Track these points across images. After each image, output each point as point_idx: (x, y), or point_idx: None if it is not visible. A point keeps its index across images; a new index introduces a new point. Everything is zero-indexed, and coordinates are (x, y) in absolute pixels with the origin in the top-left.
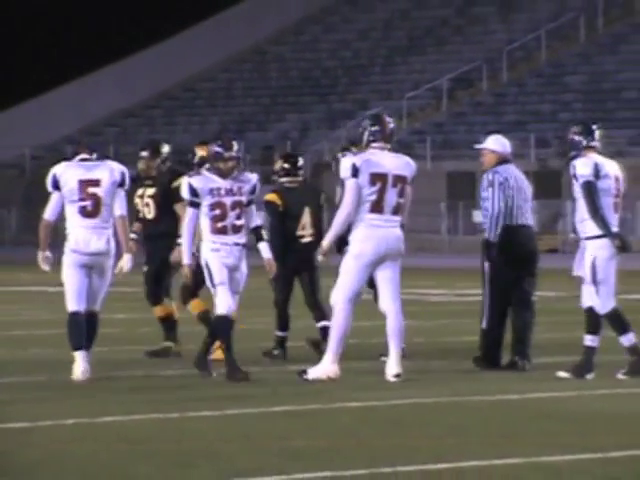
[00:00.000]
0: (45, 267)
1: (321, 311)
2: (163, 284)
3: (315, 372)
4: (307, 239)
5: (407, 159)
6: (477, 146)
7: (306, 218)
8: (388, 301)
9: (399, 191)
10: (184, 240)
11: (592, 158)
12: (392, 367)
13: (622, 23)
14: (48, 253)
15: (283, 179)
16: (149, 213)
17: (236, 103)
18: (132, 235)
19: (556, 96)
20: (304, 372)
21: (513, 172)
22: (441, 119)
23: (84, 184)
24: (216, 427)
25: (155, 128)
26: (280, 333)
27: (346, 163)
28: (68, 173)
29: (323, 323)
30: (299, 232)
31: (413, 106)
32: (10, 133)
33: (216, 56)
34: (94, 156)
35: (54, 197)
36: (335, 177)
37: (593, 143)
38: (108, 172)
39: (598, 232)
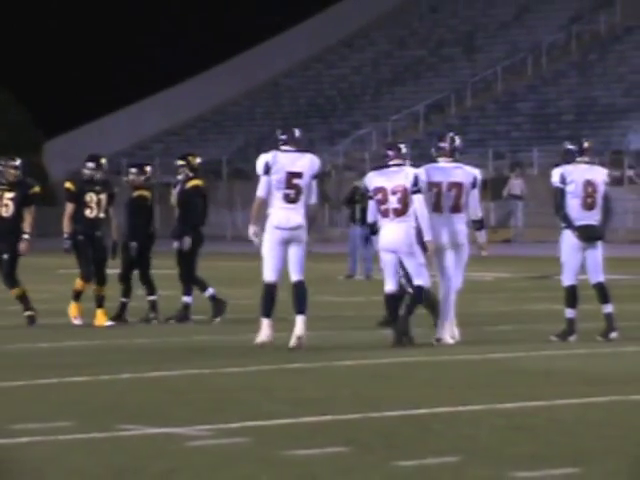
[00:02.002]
0: (255, 240)
1: None
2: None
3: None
4: None
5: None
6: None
7: None
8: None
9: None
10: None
11: (567, 167)
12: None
13: (561, 62)
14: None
15: None
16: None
17: (256, 124)
18: None
19: (509, 119)
20: (439, 340)
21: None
22: (419, 137)
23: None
24: (240, 380)
25: (192, 144)
26: None
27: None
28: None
29: None
30: None
31: (396, 127)
32: (76, 148)
33: (240, 87)
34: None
35: (264, 179)
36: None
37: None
38: None
39: (563, 225)
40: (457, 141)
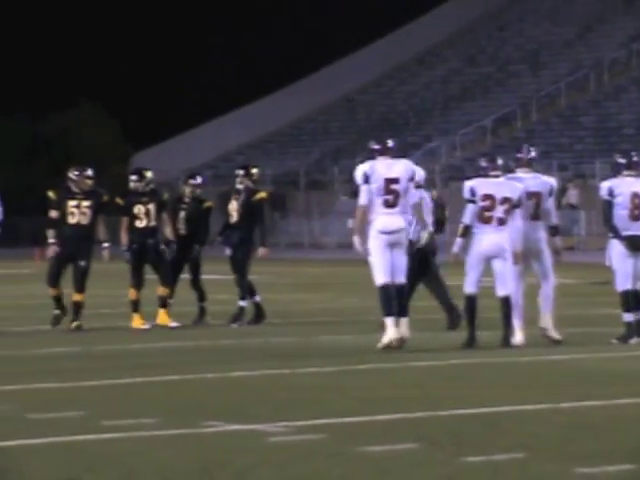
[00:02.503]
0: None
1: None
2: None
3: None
4: None
5: (545, 178)
6: None
7: None
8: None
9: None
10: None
11: (615, 180)
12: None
13: (623, 77)
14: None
15: None
16: None
17: (332, 138)
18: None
19: (573, 132)
20: (507, 341)
21: (425, 194)
22: (486, 150)
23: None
24: (317, 380)
25: (271, 156)
26: None
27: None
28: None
29: None
30: None
31: (465, 140)
32: (163, 160)
33: (316, 103)
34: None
35: (364, 189)
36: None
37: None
38: None
39: (611, 235)
40: (533, 152)
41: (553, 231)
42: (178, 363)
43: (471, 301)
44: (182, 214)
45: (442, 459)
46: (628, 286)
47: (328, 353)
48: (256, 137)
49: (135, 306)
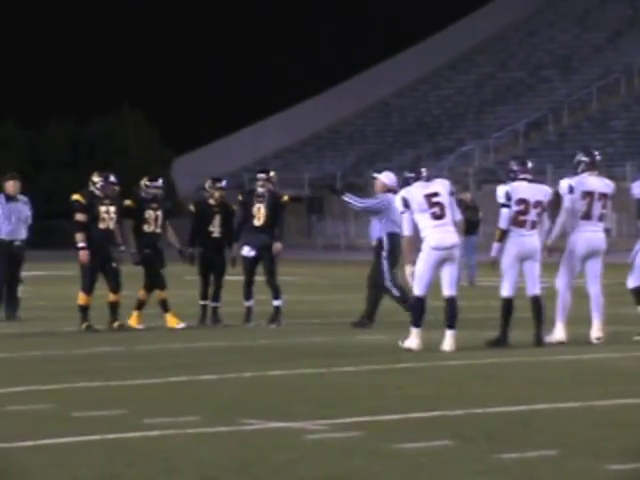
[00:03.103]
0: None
1: None
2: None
3: (549, 338)
4: None
5: (607, 181)
6: (373, 174)
7: None
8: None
9: (603, 204)
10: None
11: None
12: (595, 332)
13: None
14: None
15: None
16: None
17: (368, 142)
18: None
19: (604, 135)
20: (540, 340)
21: (392, 198)
22: (519, 153)
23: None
24: (354, 378)
25: (308, 160)
26: None
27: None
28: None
29: None
30: None
31: (498, 143)
32: (203, 164)
33: (353, 107)
34: None
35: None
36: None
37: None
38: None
39: None
40: (598, 155)
41: (608, 233)
42: (217, 362)
43: (508, 303)
44: (217, 218)
45: (476, 456)
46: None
47: (364, 352)
48: (294, 141)
49: (140, 305)
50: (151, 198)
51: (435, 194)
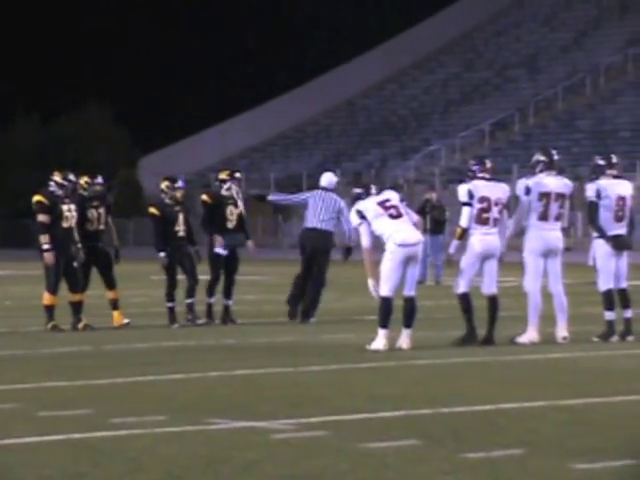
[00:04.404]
0: None
1: None
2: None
3: (521, 339)
4: None
5: (566, 180)
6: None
7: None
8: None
9: (560, 204)
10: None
11: (601, 182)
12: (561, 331)
13: (618, 81)
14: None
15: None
16: None
17: (333, 141)
18: None
19: (570, 135)
20: (513, 339)
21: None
22: (484, 152)
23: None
24: (320, 378)
25: (274, 160)
26: None
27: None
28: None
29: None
30: None
31: (464, 143)
32: (168, 164)
33: (319, 106)
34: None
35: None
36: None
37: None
38: None
39: (596, 235)
40: (556, 155)
41: (564, 232)
42: (183, 361)
43: (467, 298)
44: (181, 217)
45: (442, 455)
46: (610, 285)
47: (331, 351)
48: (260, 141)
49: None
50: (92, 196)
51: (387, 200)
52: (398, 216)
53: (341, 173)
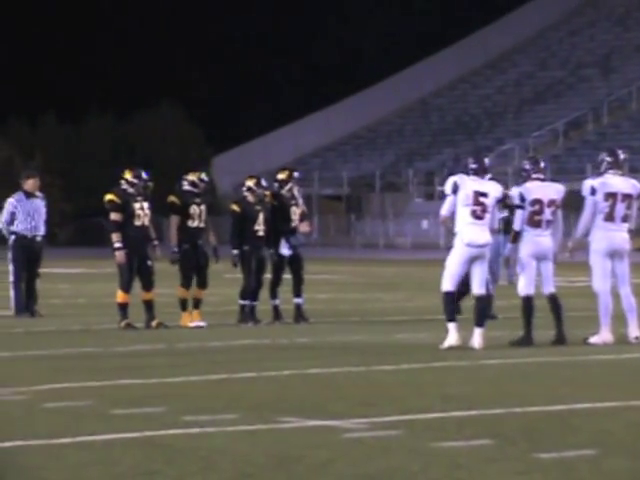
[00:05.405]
0: None
1: None
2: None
3: (594, 339)
4: None
5: (633, 181)
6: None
7: None
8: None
9: (627, 205)
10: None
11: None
12: (633, 331)
13: None
14: None
15: None
16: None
17: (406, 140)
18: None
19: None
20: (586, 339)
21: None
22: (558, 152)
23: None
24: (393, 377)
25: (347, 159)
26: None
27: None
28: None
29: None
30: None
31: (537, 143)
32: (242, 162)
33: (392, 106)
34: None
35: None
36: None
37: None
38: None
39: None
40: (622, 155)
41: (631, 234)
42: (256, 360)
43: (528, 302)
44: (261, 216)
45: (515, 455)
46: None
47: (404, 351)
48: (332, 140)
49: (184, 304)
50: (195, 193)
51: (484, 194)
52: (480, 217)
53: (414, 172)
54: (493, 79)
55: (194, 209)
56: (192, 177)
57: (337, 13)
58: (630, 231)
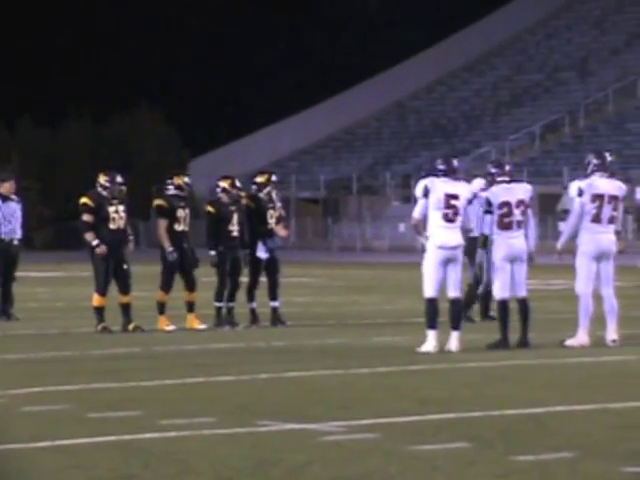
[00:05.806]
0: None
1: None
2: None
3: (571, 341)
4: None
5: (619, 183)
6: None
7: None
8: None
9: (613, 207)
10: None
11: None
12: (610, 334)
13: None
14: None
15: None
16: None
17: (384, 143)
18: None
19: (620, 137)
20: (563, 342)
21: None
22: (534, 155)
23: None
24: (370, 380)
25: (324, 162)
26: None
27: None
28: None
29: None
30: None
31: (514, 145)
32: (219, 166)
33: (369, 109)
34: None
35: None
36: None
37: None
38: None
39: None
40: (609, 157)
41: (618, 236)
42: (233, 363)
43: (504, 305)
44: (235, 217)
45: (492, 458)
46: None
47: (381, 354)
48: (310, 143)
49: (162, 308)
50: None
51: (455, 196)
52: (452, 220)
53: (390, 175)
54: (470, 82)
55: (180, 212)
56: (178, 181)
57: (316, 12)
58: (617, 232)
